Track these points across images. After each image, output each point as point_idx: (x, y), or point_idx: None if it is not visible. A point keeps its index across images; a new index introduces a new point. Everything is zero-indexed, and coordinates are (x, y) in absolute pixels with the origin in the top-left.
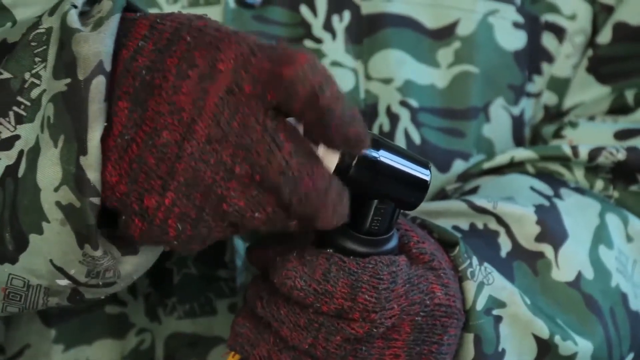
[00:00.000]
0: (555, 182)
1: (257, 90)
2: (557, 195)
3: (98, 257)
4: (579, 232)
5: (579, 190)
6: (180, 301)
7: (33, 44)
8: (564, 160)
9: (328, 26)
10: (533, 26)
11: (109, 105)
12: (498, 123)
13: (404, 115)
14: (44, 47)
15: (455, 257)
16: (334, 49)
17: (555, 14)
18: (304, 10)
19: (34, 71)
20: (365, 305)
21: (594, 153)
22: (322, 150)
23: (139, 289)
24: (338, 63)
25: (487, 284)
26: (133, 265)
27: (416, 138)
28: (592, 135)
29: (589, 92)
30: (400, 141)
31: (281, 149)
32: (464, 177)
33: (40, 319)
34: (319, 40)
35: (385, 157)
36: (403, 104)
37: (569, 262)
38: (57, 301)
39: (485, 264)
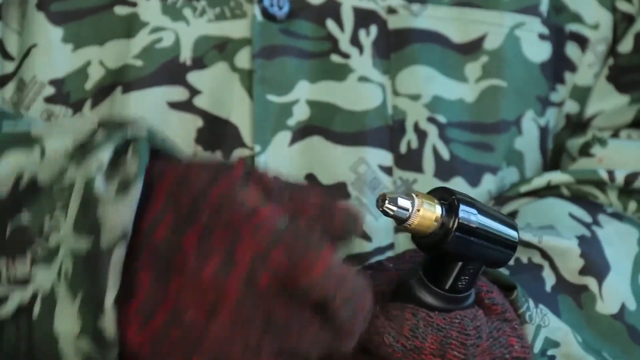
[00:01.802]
0: (592, 207)
1: (276, 282)
2: (596, 222)
3: None
4: (620, 263)
5: (616, 215)
6: None
7: (56, 195)
8: (600, 184)
9: (355, 41)
10: (558, 37)
11: (128, 269)
12: (529, 136)
13: (432, 131)
14: (66, 199)
15: (514, 301)
16: (362, 63)
17: (579, 23)
18: (330, 24)
19: (54, 219)
20: None
21: (630, 178)
22: (423, 208)
23: None
24: (366, 78)
25: (543, 326)
26: None
27: (445, 154)
28: (623, 154)
29: (609, 101)
30: (428, 158)
31: (310, 325)
32: (500, 199)
33: None
34: (346, 55)
35: (482, 222)
36: (431, 120)
37: (613, 294)
38: None
39: (541, 306)
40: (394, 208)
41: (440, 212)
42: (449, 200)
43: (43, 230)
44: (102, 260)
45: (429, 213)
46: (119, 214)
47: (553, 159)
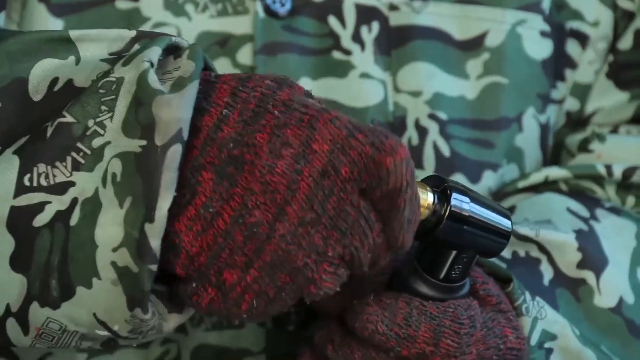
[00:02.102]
0: (590, 201)
1: (354, 174)
2: (594, 216)
3: (147, 319)
4: (618, 257)
5: (613, 210)
6: None
7: (101, 91)
8: (598, 179)
9: (357, 37)
10: (559, 34)
11: (186, 172)
12: (529, 132)
13: (433, 128)
14: (113, 96)
15: (510, 294)
16: (363, 60)
17: (579, 21)
18: (332, 21)
19: (98, 119)
20: (447, 350)
21: (628, 172)
22: None
23: None
24: (367, 74)
25: (540, 318)
26: (175, 322)
27: (445, 151)
28: (621, 150)
29: (609, 97)
30: (429, 154)
31: (373, 230)
32: (499, 195)
33: None
34: (348, 52)
35: (474, 210)
36: (431, 117)
37: (611, 288)
38: (89, 345)
39: (538, 298)
40: None
41: (432, 200)
42: (441, 187)
43: (86, 133)
44: (156, 159)
45: (421, 200)
46: (175, 108)
47: (553, 156)
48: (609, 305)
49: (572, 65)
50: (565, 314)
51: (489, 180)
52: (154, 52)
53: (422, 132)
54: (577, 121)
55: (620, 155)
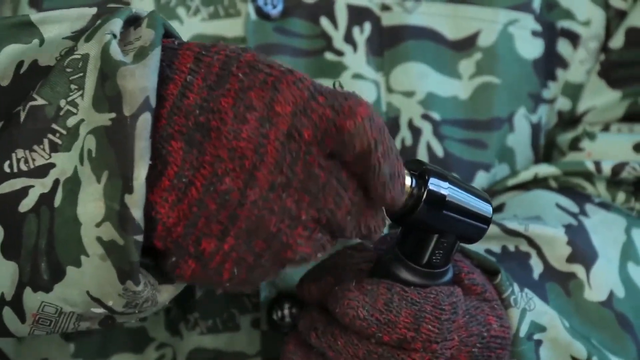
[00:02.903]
0: (579, 197)
1: (317, 137)
2: (583, 212)
3: (139, 291)
4: (607, 251)
5: (603, 205)
6: (202, 316)
7: (68, 70)
8: (588, 176)
9: (349, 38)
10: (550, 33)
11: (156, 142)
12: (520, 132)
13: (426, 128)
14: (80, 74)
15: (498, 285)
16: (356, 61)
17: (570, 20)
18: (324, 22)
19: (69, 99)
20: (428, 336)
21: (617, 169)
22: None
23: None
24: (360, 75)
25: (529, 309)
26: (169, 293)
27: (439, 151)
28: (611, 147)
29: (600, 96)
30: (422, 155)
31: (347, 189)
32: (488, 193)
33: (60, 334)
34: (340, 53)
35: (452, 194)
36: (425, 117)
37: (601, 282)
38: (88, 325)
39: (526, 290)
40: None
41: (409, 183)
42: (419, 171)
43: (60, 113)
44: (126, 129)
45: None
46: (139, 78)
47: (545, 155)
48: (600, 299)
49: (564, 64)
50: (555, 308)
51: (481, 181)
52: (115, 24)
53: (415, 132)
54: (569, 120)
55: (609, 152)
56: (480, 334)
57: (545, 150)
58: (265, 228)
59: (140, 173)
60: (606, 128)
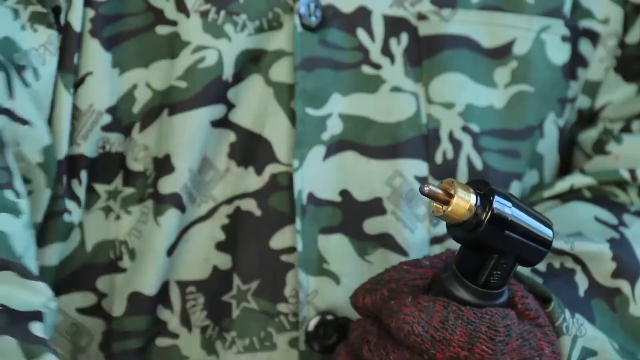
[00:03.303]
0: (615, 207)
1: None
2: (622, 223)
3: None
4: None
5: (639, 214)
6: (239, 335)
7: None
8: (620, 183)
9: (386, 50)
10: (574, 36)
11: None
12: (549, 138)
13: (466, 141)
14: None
15: (550, 313)
16: (394, 73)
17: (590, 19)
18: (361, 33)
19: None
20: (482, 356)
21: None
22: (457, 196)
23: (194, 322)
24: (398, 88)
25: (580, 336)
26: None
27: (478, 164)
28: (638, 150)
29: (617, 91)
30: (462, 168)
31: None
32: None
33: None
34: (377, 66)
35: (516, 215)
36: (465, 129)
37: None
38: None
39: (577, 316)
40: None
41: (474, 201)
42: (484, 190)
43: None
44: None
45: (463, 201)
46: None
47: (565, 153)
48: None
49: (584, 63)
50: (601, 325)
51: (515, 190)
52: None
53: (456, 145)
54: (587, 117)
55: (638, 155)
56: (532, 358)
57: (565, 149)
58: None
59: None
60: (627, 126)
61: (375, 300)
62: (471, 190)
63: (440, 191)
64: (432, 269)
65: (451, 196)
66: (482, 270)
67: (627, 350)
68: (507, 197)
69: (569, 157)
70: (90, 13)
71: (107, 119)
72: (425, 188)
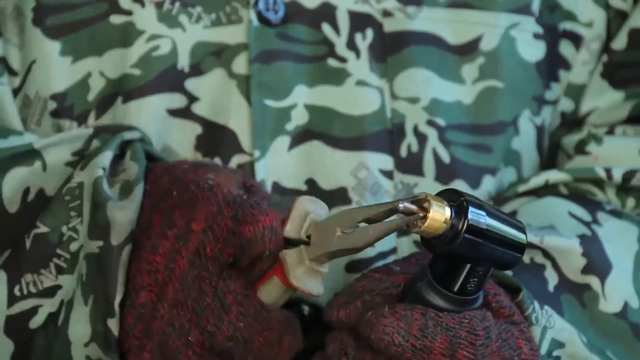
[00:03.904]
0: (591, 204)
1: (216, 251)
2: (596, 220)
3: None
4: (621, 261)
5: (614, 213)
6: None
7: (67, 197)
8: (598, 182)
9: (351, 45)
10: (551, 35)
11: None
12: (525, 135)
13: (432, 134)
14: (78, 201)
15: (520, 303)
16: (359, 67)
17: (573, 21)
18: (326, 28)
19: (70, 225)
20: None
21: (628, 175)
22: (433, 210)
23: None
24: (363, 82)
25: (549, 327)
26: None
27: (445, 157)
28: (617, 151)
29: (603, 97)
30: (429, 161)
31: (228, 313)
32: (498, 199)
33: None
34: (342, 59)
35: (491, 224)
36: (430, 123)
37: (615, 293)
38: None
39: (546, 307)
40: (409, 206)
41: (449, 214)
42: (457, 201)
43: (63, 239)
44: (112, 260)
45: (439, 215)
46: (124, 214)
47: (549, 156)
48: (614, 310)
49: (566, 66)
50: (570, 320)
51: (488, 185)
52: (105, 157)
53: (421, 138)
54: (572, 121)
55: (617, 157)
56: (512, 358)
57: (549, 151)
58: (168, 345)
59: (119, 298)
60: (611, 130)
61: (349, 313)
62: (445, 203)
63: (414, 207)
64: (404, 275)
65: (426, 210)
66: (457, 278)
67: (595, 345)
68: (481, 206)
69: (554, 163)
70: (32, 3)
71: (53, 105)
72: (400, 205)
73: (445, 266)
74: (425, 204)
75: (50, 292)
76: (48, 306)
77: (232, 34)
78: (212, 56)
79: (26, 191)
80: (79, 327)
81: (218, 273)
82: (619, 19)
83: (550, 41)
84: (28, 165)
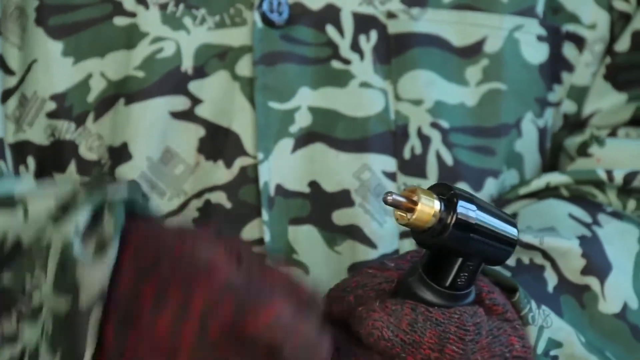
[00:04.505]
0: (592, 206)
1: (226, 332)
2: (596, 222)
3: None
4: (621, 262)
5: (615, 214)
6: None
7: (34, 249)
8: (599, 184)
9: (355, 46)
10: (554, 37)
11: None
12: (528, 137)
13: (435, 137)
14: (44, 258)
15: (516, 303)
16: (363, 69)
17: (576, 23)
18: (330, 30)
19: (35, 278)
20: (452, 357)
21: (629, 177)
22: (421, 202)
23: None
24: (367, 84)
25: (546, 327)
26: None
27: (448, 159)
28: (620, 153)
29: (606, 99)
30: (432, 163)
31: None
32: (499, 202)
33: None
34: (346, 61)
35: (480, 218)
36: (434, 125)
37: (615, 294)
38: None
39: (543, 307)
40: (397, 198)
41: (438, 207)
42: (447, 195)
43: (25, 289)
44: (80, 321)
45: (427, 207)
46: (96, 275)
47: (551, 158)
48: (614, 311)
49: (569, 68)
50: (570, 321)
51: (490, 188)
52: (81, 217)
53: (424, 140)
54: (574, 123)
55: (620, 159)
56: (503, 355)
57: (551, 153)
58: None
59: (89, 354)
60: (614, 132)
61: (342, 308)
62: (434, 196)
63: (403, 199)
64: (398, 271)
65: (415, 203)
66: (448, 273)
67: (594, 346)
68: (471, 200)
69: (556, 164)
70: (35, 3)
71: (51, 105)
72: (389, 198)
73: (436, 261)
74: (415, 197)
75: (11, 339)
76: (8, 353)
77: (236, 36)
78: (216, 58)
79: (3, 238)
80: None
81: (239, 346)
82: (622, 21)
83: (553, 43)
84: (10, 211)
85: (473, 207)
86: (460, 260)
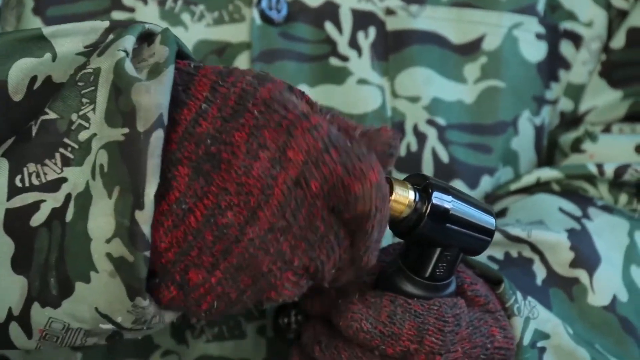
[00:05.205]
0: (582, 200)
1: (324, 190)
2: (586, 215)
3: (147, 306)
4: (611, 254)
5: (606, 208)
6: (208, 324)
7: (80, 83)
8: (590, 178)
9: (354, 43)
10: (552, 35)
11: (163, 164)
12: (524, 135)
13: (431, 134)
14: (92, 88)
15: (501, 295)
16: (360, 66)
17: (573, 21)
18: (329, 26)
19: (81, 112)
20: (432, 348)
21: (620, 171)
22: (395, 192)
23: None
24: (364, 80)
25: (532, 318)
26: (175, 312)
27: (444, 157)
28: (613, 149)
29: (602, 96)
30: (427, 160)
31: (341, 246)
32: (491, 197)
33: None
34: (344, 58)
35: (455, 207)
36: (430, 122)
37: (604, 286)
38: (95, 341)
39: (529, 298)
40: None
41: (413, 197)
42: (422, 185)
43: (72, 127)
44: (140, 145)
45: (402, 198)
46: (154, 94)
47: (547, 156)
48: (603, 303)
49: (566, 65)
50: (559, 314)
51: (486, 185)
52: (128, 41)
53: (420, 138)
54: (571, 121)
55: (612, 153)
56: (484, 346)
57: (547, 150)
58: (256, 267)
59: (151, 190)
60: (607, 128)
61: (323, 301)
62: (409, 186)
63: None
64: (380, 264)
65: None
66: (427, 264)
67: (583, 338)
68: (446, 190)
69: (552, 162)
70: None
71: None
72: None
73: (414, 252)
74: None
75: (53, 185)
76: (51, 201)
77: (234, 33)
78: (214, 54)
79: (33, 79)
80: (101, 222)
81: (328, 210)
82: (620, 19)
83: (551, 41)
84: (37, 56)
85: (448, 197)
86: (438, 250)
